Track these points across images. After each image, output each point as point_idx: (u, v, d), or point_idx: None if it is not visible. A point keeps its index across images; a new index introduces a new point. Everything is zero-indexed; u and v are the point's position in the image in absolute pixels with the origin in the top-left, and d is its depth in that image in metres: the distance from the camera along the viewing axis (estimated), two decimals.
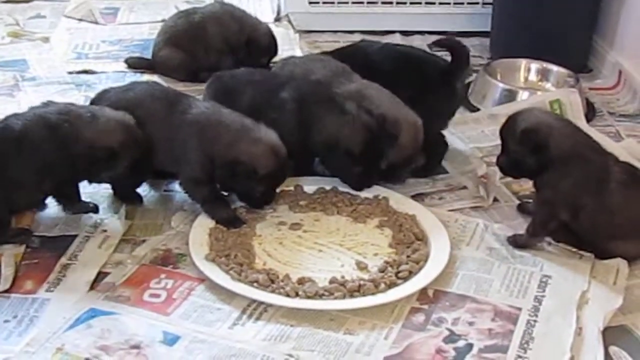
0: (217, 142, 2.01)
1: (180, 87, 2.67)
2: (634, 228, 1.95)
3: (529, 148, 1.97)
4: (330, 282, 1.86)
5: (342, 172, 2.21)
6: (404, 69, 2.37)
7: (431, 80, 2.33)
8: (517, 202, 2.24)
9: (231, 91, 2.29)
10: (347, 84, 2.27)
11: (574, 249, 2.01)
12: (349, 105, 2.16)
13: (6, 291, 1.84)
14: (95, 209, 2.14)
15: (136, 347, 1.67)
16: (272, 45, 3.04)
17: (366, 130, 2.13)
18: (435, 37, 3.43)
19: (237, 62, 2.87)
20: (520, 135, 1.98)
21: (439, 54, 2.50)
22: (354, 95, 2.21)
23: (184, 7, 3.50)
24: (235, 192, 2.10)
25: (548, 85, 2.98)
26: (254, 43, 3.00)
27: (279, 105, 2.20)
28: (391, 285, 1.86)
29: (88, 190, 2.21)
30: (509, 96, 2.82)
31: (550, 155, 1.95)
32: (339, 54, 2.49)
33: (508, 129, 2.04)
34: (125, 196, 2.21)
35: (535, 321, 1.77)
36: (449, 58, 2.36)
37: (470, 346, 1.71)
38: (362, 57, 2.45)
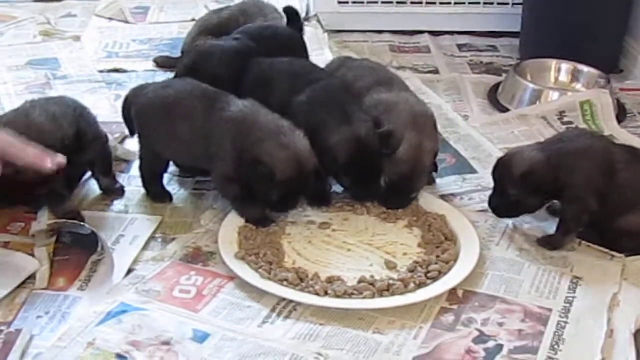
0: (246, 139, 2.00)
1: None
2: None
3: (530, 190, 2.01)
4: (360, 281, 1.86)
5: (335, 179, 2.17)
6: (274, 46, 2.48)
7: (296, 45, 2.60)
8: None
9: (267, 80, 2.29)
10: (383, 93, 2.24)
11: (605, 250, 2.00)
12: (358, 115, 2.12)
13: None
14: (83, 219, 2.07)
15: (167, 343, 1.68)
16: None
17: (356, 143, 2.07)
18: (464, 37, 3.47)
19: None
20: (520, 178, 2.00)
21: None
22: (378, 105, 2.19)
23: (213, 6, 3.54)
24: (255, 191, 2.06)
25: (579, 86, 2.95)
26: None
27: (294, 107, 2.18)
28: (421, 285, 1.86)
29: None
30: (539, 97, 2.81)
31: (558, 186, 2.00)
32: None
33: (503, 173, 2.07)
34: (155, 194, 2.23)
35: (566, 323, 1.76)
36: None
37: (500, 347, 1.70)
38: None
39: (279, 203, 2.05)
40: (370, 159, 2.10)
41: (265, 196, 2.04)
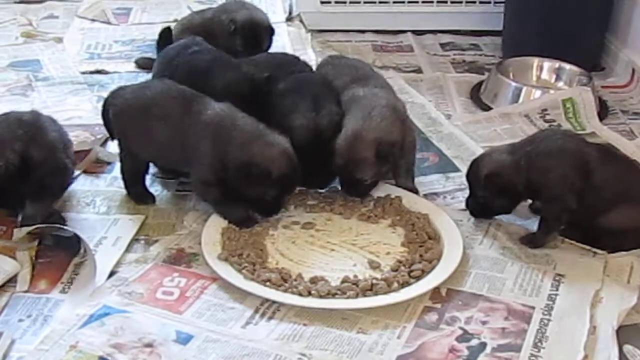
0: (230, 144, 2.00)
1: None
2: (621, 196, 1.99)
3: (495, 192, 2.03)
4: (343, 281, 1.86)
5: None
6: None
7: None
8: (529, 201, 2.23)
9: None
10: (354, 89, 2.25)
11: (587, 247, 2.01)
12: (329, 107, 2.16)
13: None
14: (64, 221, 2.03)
15: (149, 345, 1.67)
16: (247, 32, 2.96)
17: (313, 131, 2.12)
18: (447, 36, 3.48)
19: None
20: (484, 180, 2.03)
21: None
22: (349, 100, 2.21)
23: (196, 7, 3.53)
24: (247, 197, 2.06)
25: (561, 84, 2.97)
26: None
27: (273, 93, 2.23)
28: (404, 284, 1.86)
29: (101, 188, 2.24)
30: (521, 95, 2.81)
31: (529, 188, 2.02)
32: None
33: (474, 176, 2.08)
34: (137, 196, 2.22)
35: (548, 320, 1.77)
36: None
37: (483, 345, 1.70)
38: None
39: (271, 202, 2.05)
40: (322, 150, 2.12)
41: (259, 198, 2.04)
